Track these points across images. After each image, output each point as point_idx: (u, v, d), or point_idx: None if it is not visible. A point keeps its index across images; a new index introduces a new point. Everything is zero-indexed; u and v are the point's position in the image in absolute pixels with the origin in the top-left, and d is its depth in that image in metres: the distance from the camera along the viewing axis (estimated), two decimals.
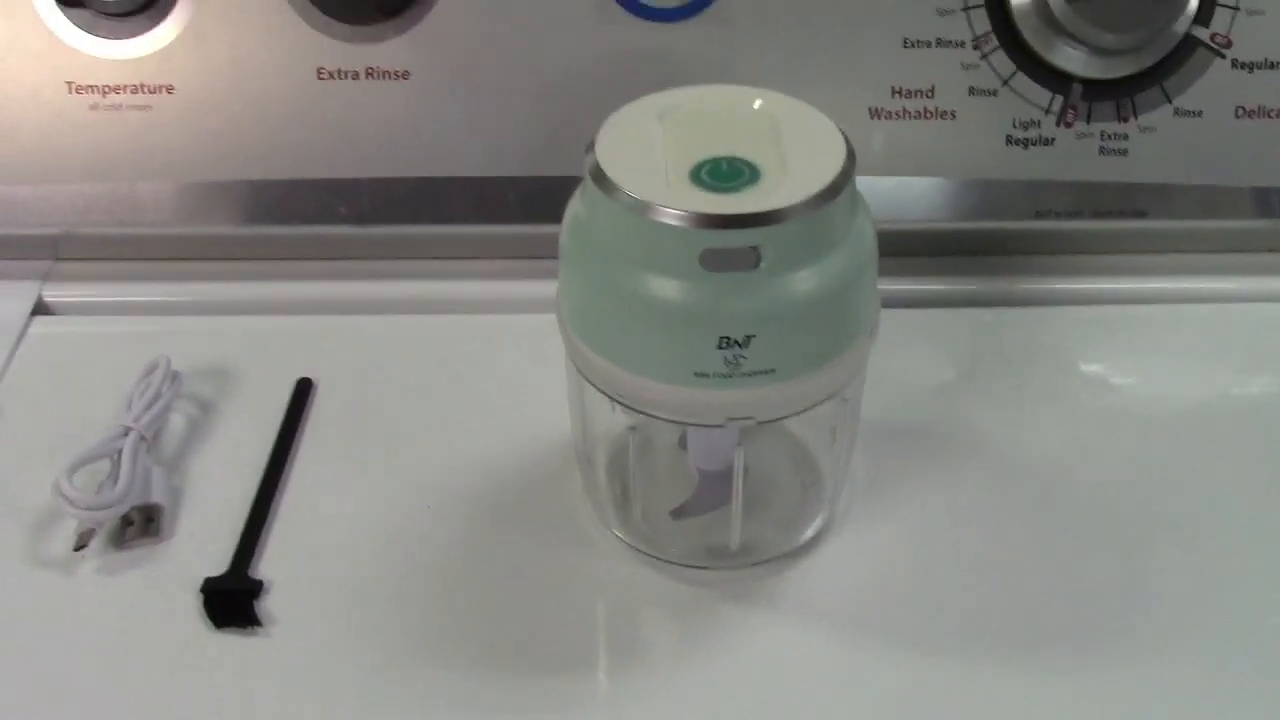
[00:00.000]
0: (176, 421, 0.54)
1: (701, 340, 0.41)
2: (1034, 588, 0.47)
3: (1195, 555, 0.49)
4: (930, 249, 0.60)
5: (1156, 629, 0.46)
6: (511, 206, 0.59)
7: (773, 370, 0.42)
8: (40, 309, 0.60)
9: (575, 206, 0.44)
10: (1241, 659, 0.45)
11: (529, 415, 0.54)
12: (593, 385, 0.45)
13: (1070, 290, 0.60)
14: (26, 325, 0.59)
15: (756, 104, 0.44)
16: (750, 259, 0.40)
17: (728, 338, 0.41)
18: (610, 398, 0.44)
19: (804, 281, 0.41)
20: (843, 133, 0.43)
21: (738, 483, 0.46)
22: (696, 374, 0.42)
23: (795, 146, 0.42)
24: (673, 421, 0.44)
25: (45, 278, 0.61)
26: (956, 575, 0.48)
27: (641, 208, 0.40)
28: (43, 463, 0.50)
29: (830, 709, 0.44)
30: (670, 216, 0.40)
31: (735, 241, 0.40)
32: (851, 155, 0.42)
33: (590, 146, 0.42)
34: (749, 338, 0.41)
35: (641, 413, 0.44)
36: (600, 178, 0.41)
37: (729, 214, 0.40)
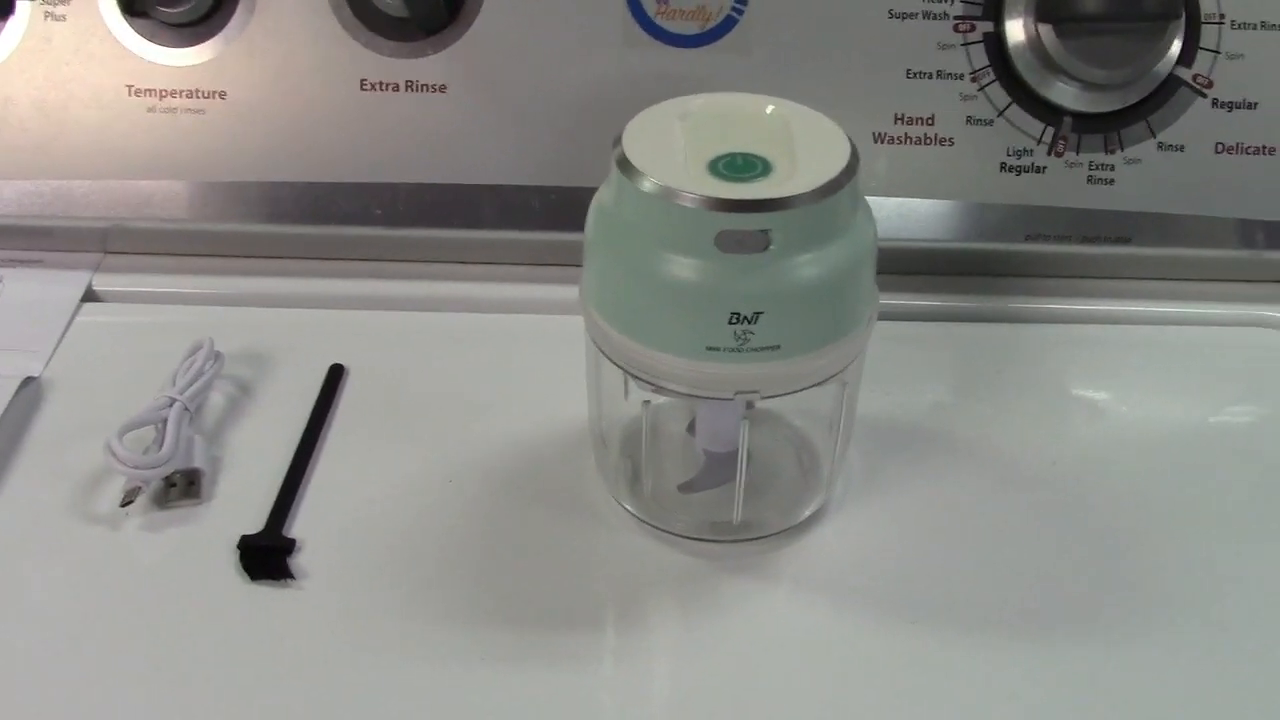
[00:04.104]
0: (217, 399, 0.57)
1: (714, 315, 0.44)
2: (1017, 569, 0.50)
3: (1171, 542, 0.52)
4: (927, 267, 0.63)
5: (1142, 608, 0.49)
6: (536, 214, 0.62)
7: (778, 347, 0.45)
8: (90, 296, 0.63)
9: (601, 195, 0.47)
10: (1233, 625, 0.48)
11: (545, 404, 0.56)
12: (611, 361, 0.48)
13: (1057, 309, 0.63)
14: (77, 311, 0.62)
15: (769, 109, 0.48)
16: (761, 241, 0.43)
17: (738, 314, 0.44)
18: (628, 373, 0.47)
19: (809, 265, 0.44)
20: (848, 136, 0.46)
21: (742, 455, 0.49)
22: (709, 348, 0.45)
23: (804, 146, 0.46)
24: (685, 395, 0.47)
25: (96, 268, 0.64)
26: (942, 555, 0.51)
27: (664, 192, 0.43)
28: (89, 432, 0.53)
29: (820, 673, 0.47)
30: (689, 200, 0.43)
31: (748, 224, 0.43)
32: (855, 155, 0.45)
33: (617, 140, 0.46)
34: (757, 314, 0.44)
35: (656, 386, 0.47)
36: (626, 166, 0.45)
37: (743, 199, 0.43)
